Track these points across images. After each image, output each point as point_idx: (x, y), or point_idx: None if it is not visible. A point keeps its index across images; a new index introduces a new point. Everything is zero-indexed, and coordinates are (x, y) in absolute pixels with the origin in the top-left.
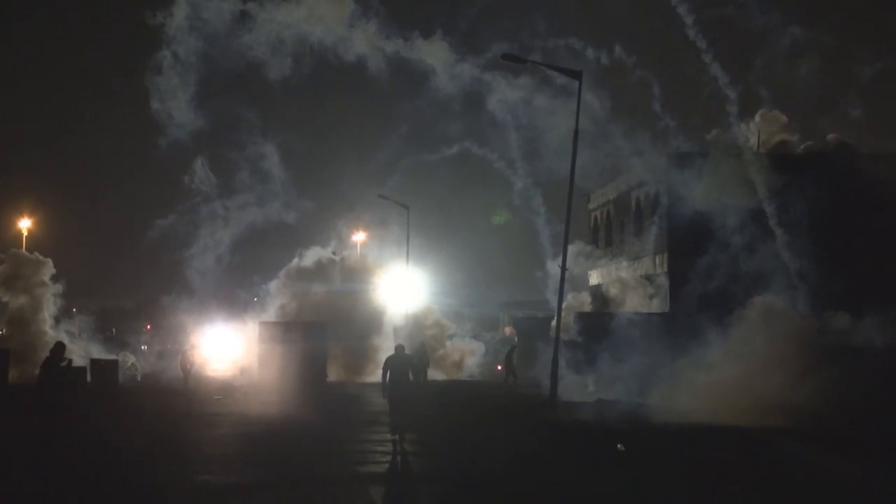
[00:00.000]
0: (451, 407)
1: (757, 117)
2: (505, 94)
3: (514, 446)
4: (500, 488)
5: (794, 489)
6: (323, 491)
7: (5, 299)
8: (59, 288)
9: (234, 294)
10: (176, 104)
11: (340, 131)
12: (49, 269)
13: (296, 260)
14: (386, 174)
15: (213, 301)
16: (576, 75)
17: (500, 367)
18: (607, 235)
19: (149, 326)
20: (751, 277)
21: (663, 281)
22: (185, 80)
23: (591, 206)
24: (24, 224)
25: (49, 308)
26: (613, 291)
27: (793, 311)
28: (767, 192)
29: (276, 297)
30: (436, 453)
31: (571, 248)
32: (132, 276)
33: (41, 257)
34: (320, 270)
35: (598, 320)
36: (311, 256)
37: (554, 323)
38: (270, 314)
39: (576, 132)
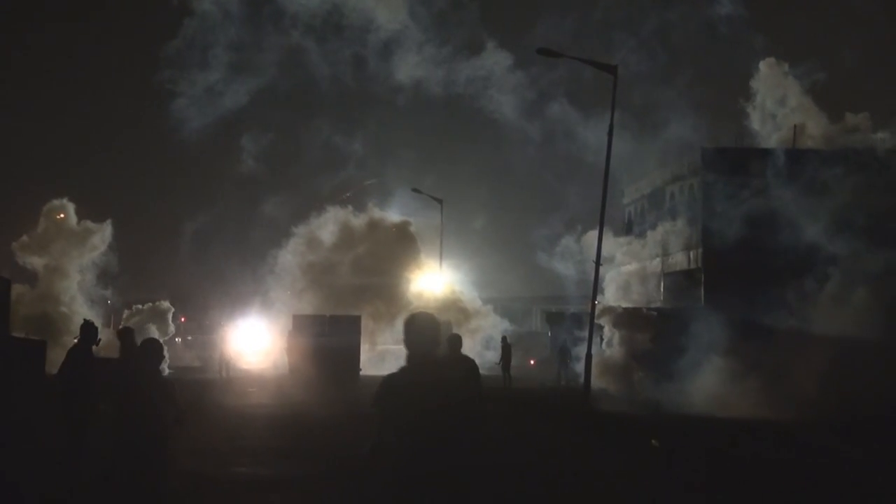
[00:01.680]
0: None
1: (762, 66)
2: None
3: (550, 440)
4: (534, 481)
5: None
6: (356, 484)
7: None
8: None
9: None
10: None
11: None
12: (103, 237)
13: (301, 227)
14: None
15: (247, 291)
16: (610, 70)
17: (532, 363)
18: (641, 230)
19: (183, 319)
20: (786, 273)
21: (697, 276)
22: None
23: (625, 200)
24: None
25: (85, 285)
26: (638, 286)
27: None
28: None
29: (288, 275)
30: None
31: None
32: (165, 268)
33: (91, 224)
34: (345, 237)
35: (636, 315)
36: (330, 219)
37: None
38: (286, 297)
39: (611, 127)
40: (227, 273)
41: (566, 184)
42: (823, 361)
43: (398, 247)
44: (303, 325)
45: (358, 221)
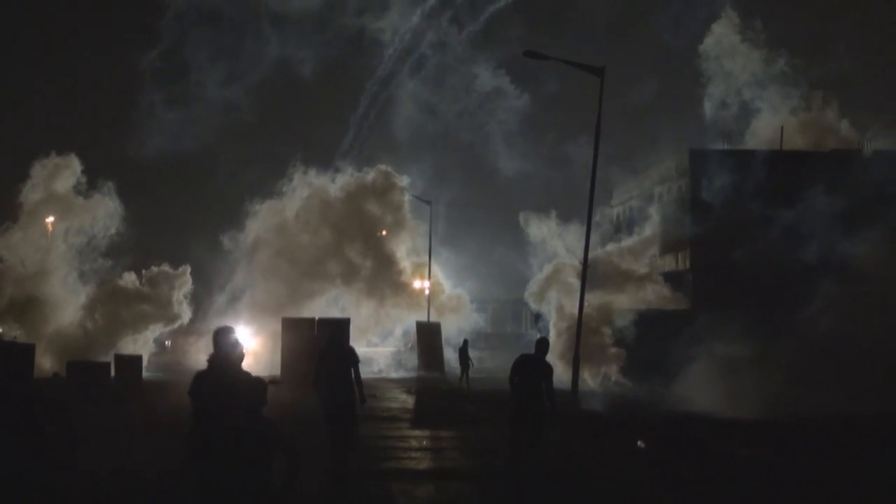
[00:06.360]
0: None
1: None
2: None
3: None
4: (527, 484)
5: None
6: (347, 485)
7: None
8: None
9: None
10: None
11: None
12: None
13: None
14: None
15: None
16: (597, 72)
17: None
18: (629, 232)
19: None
20: (774, 274)
21: (686, 277)
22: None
23: (613, 202)
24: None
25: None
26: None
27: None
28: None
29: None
30: (466, 448)
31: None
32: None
33: (99, 195)
34: (319, 206)
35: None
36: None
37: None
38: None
39: (597, 129)
40: (208, 269)
41: (555, 188)
42: (813, 360)
43: (384, 213)
44: (292, 328)
45: (333, 190)
